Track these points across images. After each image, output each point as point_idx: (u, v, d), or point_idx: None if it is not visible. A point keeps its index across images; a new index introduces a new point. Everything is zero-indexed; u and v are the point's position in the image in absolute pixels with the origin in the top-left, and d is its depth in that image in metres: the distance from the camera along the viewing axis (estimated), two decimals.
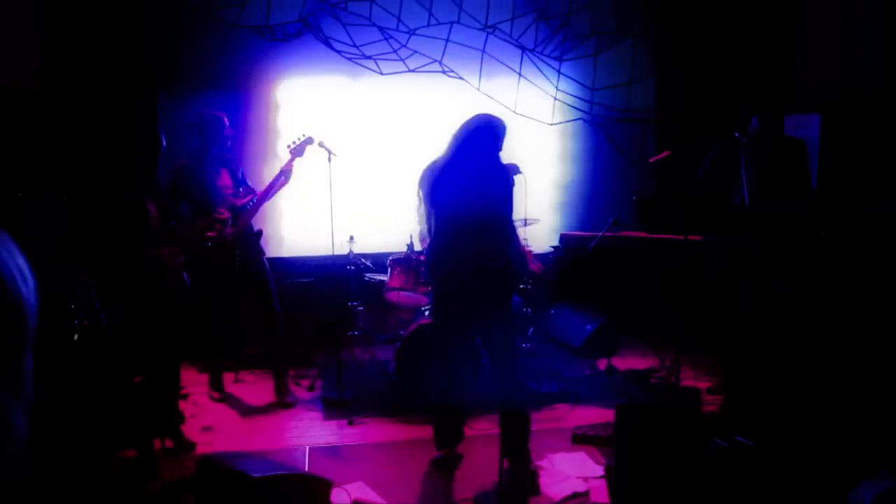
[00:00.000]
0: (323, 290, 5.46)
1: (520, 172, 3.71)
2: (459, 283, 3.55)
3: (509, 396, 3.69)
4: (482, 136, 3.54)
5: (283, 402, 4.65)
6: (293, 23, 5.57)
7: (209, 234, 4.20)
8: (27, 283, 0.80)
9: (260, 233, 4.62)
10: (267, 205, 4.72)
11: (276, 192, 4.53)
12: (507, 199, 3.56)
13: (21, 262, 0.80)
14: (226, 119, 4.52)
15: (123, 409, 3.78)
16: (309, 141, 4.60)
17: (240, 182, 4.58)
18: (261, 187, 4.58)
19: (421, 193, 3.70)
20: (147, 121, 4.84)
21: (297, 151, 4.57)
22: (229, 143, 4.57)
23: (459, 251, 3.53)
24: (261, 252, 4.63)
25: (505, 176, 3.57)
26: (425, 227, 3.73)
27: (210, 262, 4.35)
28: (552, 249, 5.84)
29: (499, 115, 3.67)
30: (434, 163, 3.65)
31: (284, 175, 4.52)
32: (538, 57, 6.02)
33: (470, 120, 3.59)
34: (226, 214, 4.28)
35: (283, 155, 4.68)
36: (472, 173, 3.50)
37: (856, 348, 3.90)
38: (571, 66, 6.09)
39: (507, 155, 3.66)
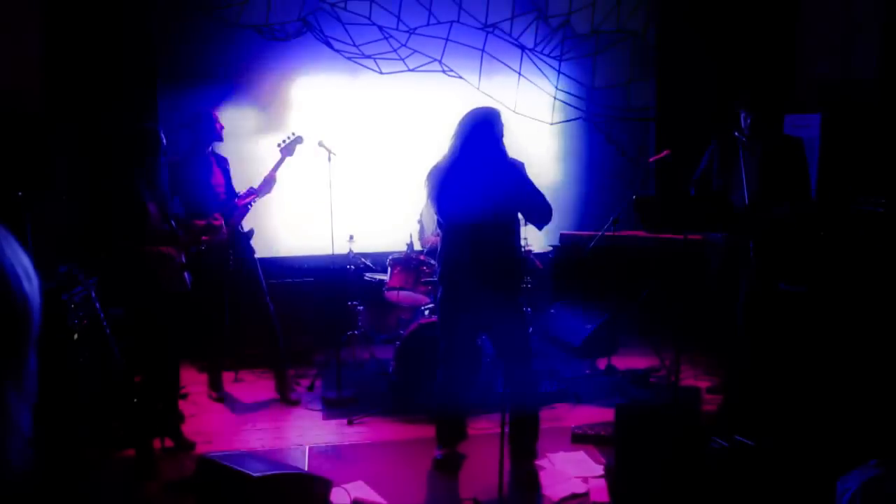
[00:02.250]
0: (323, 289, 5.46)
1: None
2: (470, 282, 3.52)
3: (521, 396, 3.68)
4: (481, 131, 3.50)
5: (287, 399, 4.66)
6: (293, 22, 5.57)
7: (204, 237, 4.20)
8: (32, 283, 0.80)
9: (251, 232, 4.61)
10: (266, 204, 4.71)
11: (265, 193, 4.51)
12: (521, 187, 3.51)
13: (26, 261, 0.80)
14: (217, 115, 4.50)
15: (123, 409, 3.77)
16: (299, 140, 4.56)
17: (230, 180, 4.57)
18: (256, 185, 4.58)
19: (428, 196, 3.69)
20: (147, 120, 4.84)
21: (287, 150, 4.55)
22: (222, 140, 4.55)
23: (471, 250, 3.51)
24: (252, 251, 4.61)
25: (511, 166, 3.53)
26: (432, 226, 3.70)
27: (204, 262, 4.34)
28: (552, 249, 5.83)
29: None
30: (438, 165, 3.62)
31: (271, 181, 4.50)
32: (538, 56, 6.02)
33: (465, 117, 3.56)
34: (220, 220, 4.27)
35: (275, 153, 4.60)
36: (478, 171, 3.47)
37: (853, 344, 3.90)
38: (571, 66, 6.09)
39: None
